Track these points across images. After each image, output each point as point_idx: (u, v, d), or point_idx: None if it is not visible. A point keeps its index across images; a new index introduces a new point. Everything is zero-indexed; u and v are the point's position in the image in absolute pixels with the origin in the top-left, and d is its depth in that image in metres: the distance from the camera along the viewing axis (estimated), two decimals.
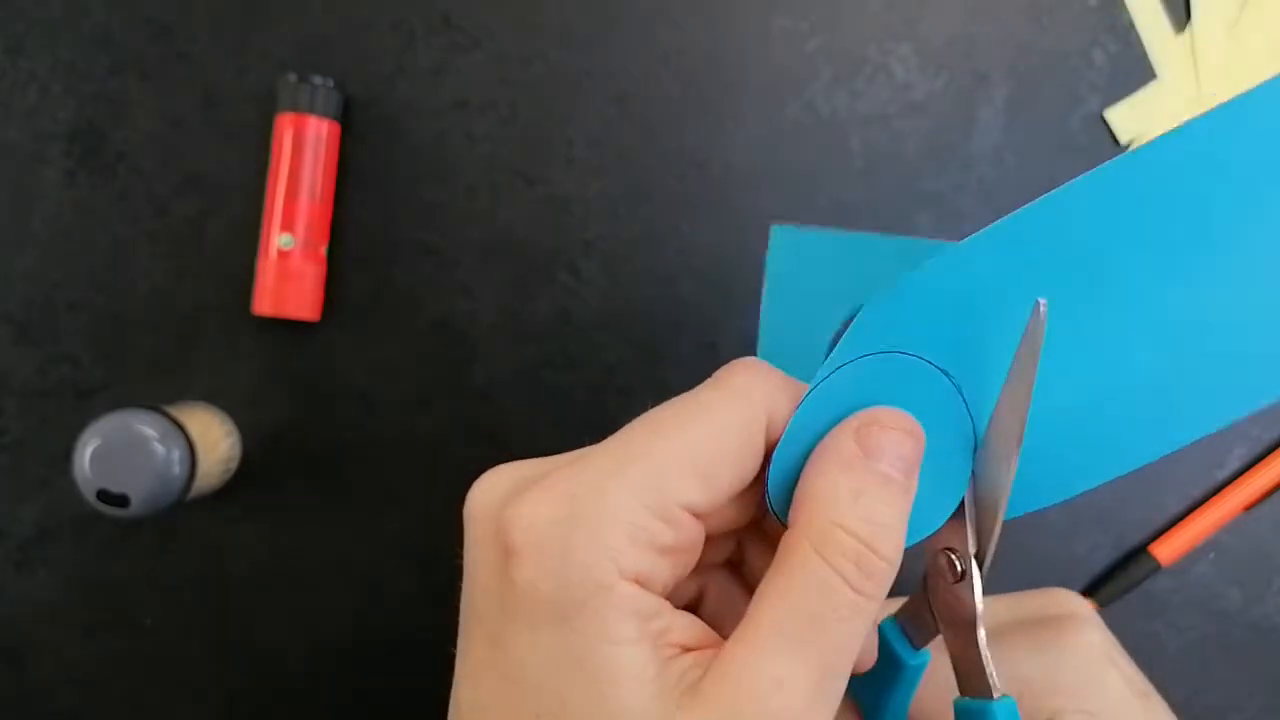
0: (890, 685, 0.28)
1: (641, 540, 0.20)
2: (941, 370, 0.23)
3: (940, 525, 0.24)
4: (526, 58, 0.45)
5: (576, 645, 0.20)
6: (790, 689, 0.19)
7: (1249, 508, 0.46)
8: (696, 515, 0.21)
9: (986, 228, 0.23)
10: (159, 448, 0.38)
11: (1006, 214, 0.46)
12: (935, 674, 0.27)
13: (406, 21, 0.44)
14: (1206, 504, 0.46)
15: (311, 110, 0.43)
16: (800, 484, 0.22)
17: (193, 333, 0.45)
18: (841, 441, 0.21)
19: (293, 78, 0.43)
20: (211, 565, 0.45)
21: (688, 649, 0.21)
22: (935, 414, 0.23)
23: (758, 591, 0.21)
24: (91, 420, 0.38)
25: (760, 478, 0.22)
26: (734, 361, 0.23)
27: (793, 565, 0.20)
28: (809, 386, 0.23)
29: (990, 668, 0.24)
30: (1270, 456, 0.46)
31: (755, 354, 0.26)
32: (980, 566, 0.25)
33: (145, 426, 0.38)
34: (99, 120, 0.44)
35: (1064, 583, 0.47)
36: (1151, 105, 0.45)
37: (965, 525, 0.24)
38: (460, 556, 0.23)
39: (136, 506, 0.38)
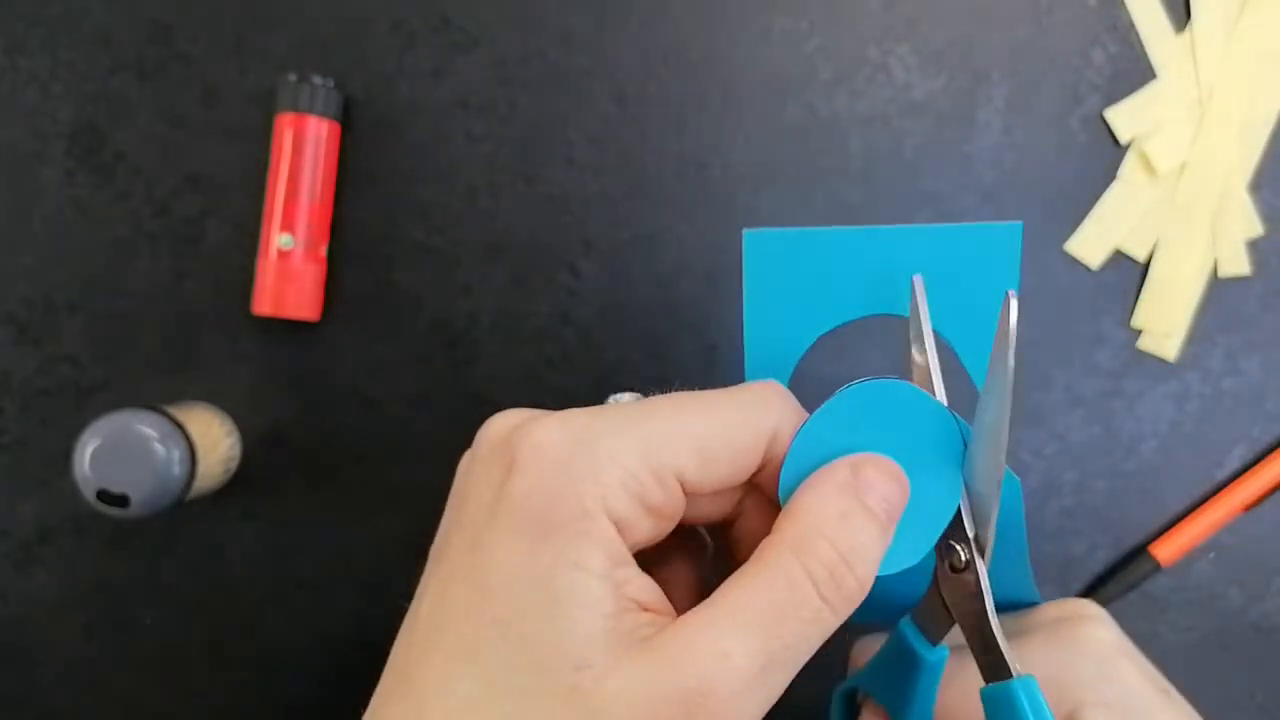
0: (913, 683, 0.28)
1: (632, 489, 0.22)
2: (950, 410, 0.25)
3: (919, 559, 0.25)
4: (526, 57, 0.45)
5: (548, 561, 0.21)
6: (733, 665, 0.20)
7: (1249, 508, 0.46)
8: (685, 490, 0.23)
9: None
10: (159, 448, 0.38)
11: (1005, 215, 0.46)
12: (958, 673, 0.28)
13: (406, 21, 0.44)
14: (1206, 504, 0.46)
15: (311, 110, 0.43)
16: (792, 500, 0.23)
17: (193, 333, 0.45)
18: (838, 469, 0.23)
19: (292, 78, 0.43)
20: (211, 565, 0.45)
21: (645, 608, 0.22)
22: (930, 446, 0.25)
23: (726, 580, 0.22)
24: (91, 420, 0.39)
25: (747, 484, 0.24)
26: (763, 381, 0.25)
27: (766, 560, 0.22)
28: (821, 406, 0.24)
29: (1005, 648, 0.25)
30: (1270, 457, 0.46)
31: (744, 357, 0.28)
32: (982, 553, 0.25)
33: (145, 426, 0.38)
34: (99, 120, 0.44)
35: (1063, 583, 0.47)
36: (1151, 105, 0.45)
37: (963, 514, 0.25)
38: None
39: (136, 506, 0.38)
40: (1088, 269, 0.46)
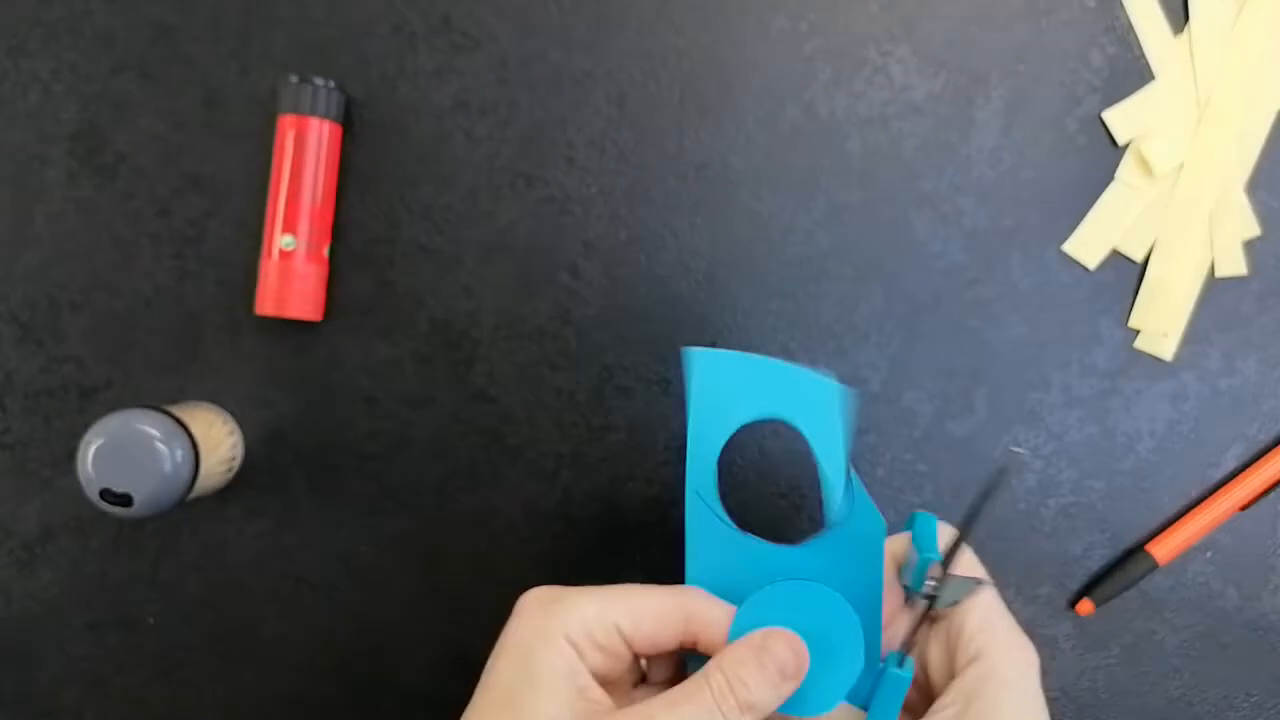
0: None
1: (586, 630, 0.32)
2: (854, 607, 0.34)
3: (829, 709, 0.34)
4: (527, 59, 0.45)
5: (531, 666, 0.31)
6: None
7: (1245, 507, 0.47)
8: (625, 641, 0.33)
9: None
10: (162, 447, 0.38)
11: (1003, 215, 0.46)
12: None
13: (407, 23, 0.45)
14: (1203, 504, 0.47)
15: (313, 111, 0.43)
16: (722, 650, 0.33)
17: (195, 333, 0.45)
18: (755, 634, 0.33)
19: (294, 79, 0.43)
20: (213, 563, 0.46)
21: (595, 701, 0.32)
22: (835, 633, 0.34)
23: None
24: (94, 420, 0.39)
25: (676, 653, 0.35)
26: (689, 587, 0.35)
27: (693, 679, 0.32)
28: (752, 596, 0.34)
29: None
30: (1266, 456, 0.46)
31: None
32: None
33: (148, 426, 0.38)
34: (101, 121, 0.44)
35: (1061, 582, 0.47)
36: (1149, 107, 0.46)
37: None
38: None
39: (139, 506, 0.38)
40: (1085, 269, 0.46)
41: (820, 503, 0.35)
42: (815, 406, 0.35)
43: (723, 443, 0.36)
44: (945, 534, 0.35)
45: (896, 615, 0.35)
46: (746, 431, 0.35)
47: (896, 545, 0.36)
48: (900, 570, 0.35)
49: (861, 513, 0.35)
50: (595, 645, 0.32)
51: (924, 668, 0.35)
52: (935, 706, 0.33)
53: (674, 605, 0.33)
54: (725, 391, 0.35)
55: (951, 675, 0.34)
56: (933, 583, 0.33)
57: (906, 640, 0.34)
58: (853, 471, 0.35)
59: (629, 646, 0.33)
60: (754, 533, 0.35)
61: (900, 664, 0.33)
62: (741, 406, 0.35)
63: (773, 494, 0.46)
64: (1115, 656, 0.48)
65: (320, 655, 0.46)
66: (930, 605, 0.33)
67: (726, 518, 0.36)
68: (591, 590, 0.33)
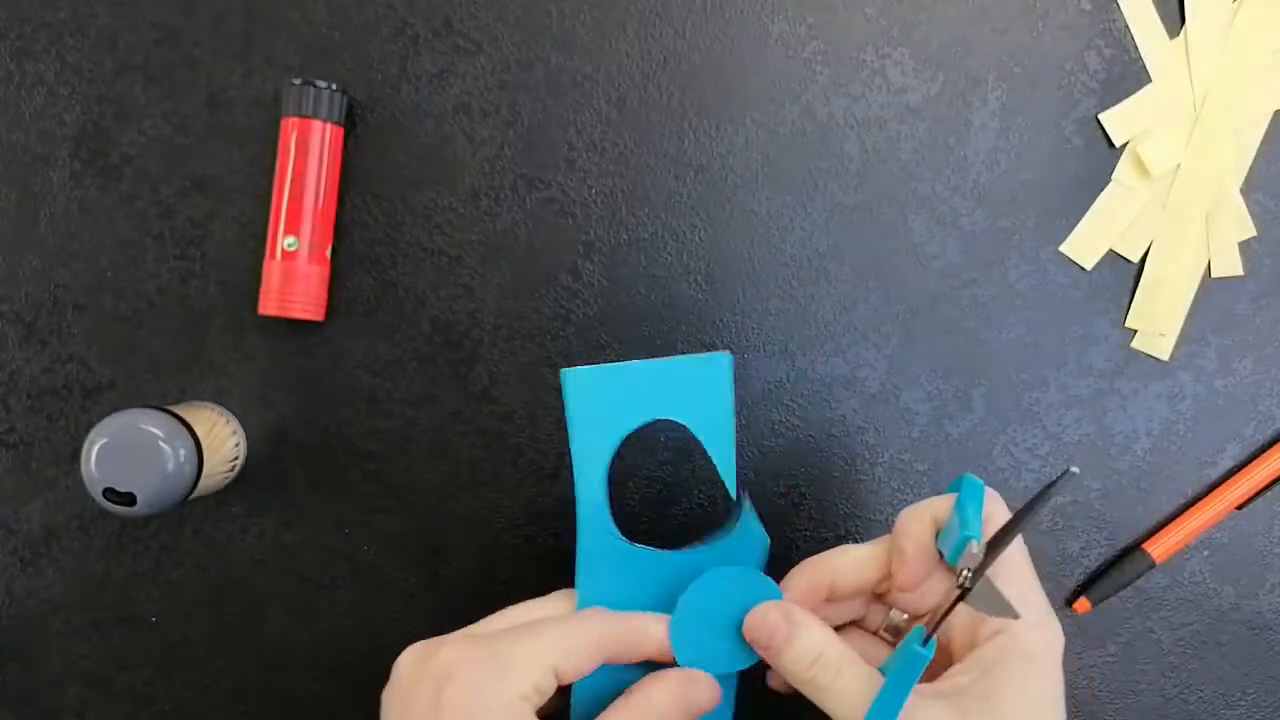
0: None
1: (533, 683, 0.33)
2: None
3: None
4: (528, 62, 0.45)
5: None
6: None
7: (1241, 506, 0.47)
8: (558, 679, 0.34)
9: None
10: (165, 447, 0.39)
11: (1000, 217, 0.47)
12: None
13: (409, 26, 0.45)
14: (1199, 502, 0.47)
15: (316, 114, 0.43)
16: (651, 676, 0.36)
17: (198, 333, 0.45)
18: (673, 677, 0.36)
19: (297, 82, 0.43)
20: (216, 562, 0.46)
21: None
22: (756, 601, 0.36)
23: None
24: (98, 419, 0.39)
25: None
26: (599, 610, 0.37)
27: (631, 692, 0.35)
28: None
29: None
30: (1262, 456, 0.47)
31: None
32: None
33: (151, 426, 0.39)
34: (105, 123, 0.45)
35: (1058, 580, 0.47)
36: (1146, 108, 0.46)
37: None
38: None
39: (142, 505, 0.39)
40: (1082, 269, 0.46)
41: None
42: (697, 392, 0.37)
43: (608, 457, 0.37)
44: (992, 503, 0.35)
45: (930, 578, 0.35)
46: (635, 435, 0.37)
47: (939, 507, 0.35)
48: (939, 535, 0.35)
49: (746, 525, 0.37)
50: (539, 693, 0.34)
51: (946, 630, 0.34)
52: (951, 671, 0.33)
53: (596, 634, 0.35)
54: (603, 405, 0.36)
55: (974, 642, 0.33)
56: (968, 573, 0.32)
57: (934, 621, 0.32)
58: (745, 493, 0.37)
59: (559, 681, 0.35)
60: (640, 541, 0.37)
61: (924, 643, 0.32)
62: (622, 417, 0.36)
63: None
64: (1112, 655, 0.48)
65: (322, 654, 0.47)
66: (960, 597, 0.32)
67: (617, 532, 0.37)
68: (514, 638, 0.34)
